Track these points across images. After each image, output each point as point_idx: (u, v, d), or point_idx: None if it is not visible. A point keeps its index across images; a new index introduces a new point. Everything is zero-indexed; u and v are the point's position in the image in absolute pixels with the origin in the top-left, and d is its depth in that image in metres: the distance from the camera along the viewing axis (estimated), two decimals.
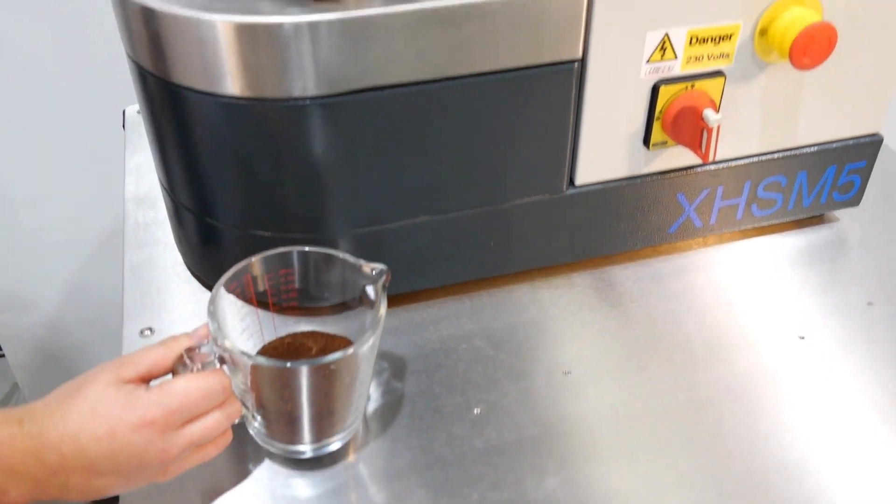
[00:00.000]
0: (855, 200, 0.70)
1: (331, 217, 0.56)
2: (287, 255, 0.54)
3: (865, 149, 0.66)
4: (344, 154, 0.53)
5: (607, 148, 0.59)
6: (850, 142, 0.65)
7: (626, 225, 0.64)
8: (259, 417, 0.52)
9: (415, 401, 0.57)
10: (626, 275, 0.67)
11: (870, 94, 0.63)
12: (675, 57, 0.56)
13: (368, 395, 0.56)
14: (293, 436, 0.52)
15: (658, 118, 0.58)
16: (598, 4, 0.52)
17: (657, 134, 0.59)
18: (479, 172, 0.57)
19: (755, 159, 0.63)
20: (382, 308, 0.50)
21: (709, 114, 0.56)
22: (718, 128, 0.55)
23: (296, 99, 0.51)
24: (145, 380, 0.47)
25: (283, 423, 0.52)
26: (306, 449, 0.53)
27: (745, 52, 0.57)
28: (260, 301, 0.54)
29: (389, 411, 0.56)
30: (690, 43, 0.56)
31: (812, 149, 0.65)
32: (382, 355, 0.60)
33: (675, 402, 0.56)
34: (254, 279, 0.53)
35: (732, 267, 0.67)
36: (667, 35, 0.55)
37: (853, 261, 0.68)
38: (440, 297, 0.64)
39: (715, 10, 0.55)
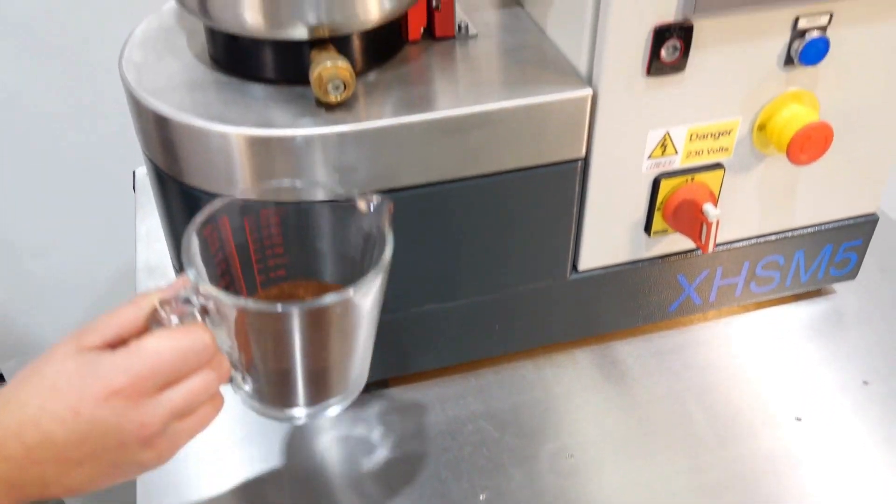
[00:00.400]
0: (852, 275, 0.71)
1: None
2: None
3: (862, 228, 0.67)
4: None
5: (610, 236, 0.61)
6: (847, 221, 0.67)
7: (628, 305, 0.65)
8: (248, 379, 0.45)
9: (422, 485, 0.58)
10: (628, 351, 0.68)
11: (866, 177, 0.65)
12: (676, 152, 0.57)
13: (370, 356, 0.50)
14: (287, 398, 0.47)
15: (659, 209, 0.60)
16: (600, 109, 0.53)
17: (658, 223, 0.60)
18: (485, 264, 0.59)
19: (753, 241, 0.65)
20: (388, 247, 0.44)
21: (708, 208, 0.57)
22: (718, 222, 0.57)
23: (308, 202, 0.52)
24: (114, 346, 0.40)
25: (276, 383, 0.46)
26: (301, 413, 0.47)
27: (743, 145, 0.59)
28: (241, 252, 0.48)
29: (396, 496, 0.57)
30: (691, 139, 0.57)
31: (809, 229, 0.66)
32: (388, 439, 0.61)
33: (677, 487, 0.58)
34: (232, 223, 0.47)
35: (731, 343, 0.69)
36: (668, 133, 0.56)
37: (849, 337, 0.69)
38: (446, 374, 0.66)
39: (715, 109, 0.56)
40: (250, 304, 0.42)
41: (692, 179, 0.59)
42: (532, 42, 0.58)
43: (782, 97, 0.57)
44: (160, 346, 0.39)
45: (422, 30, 0.58)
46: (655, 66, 0.52)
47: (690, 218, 0.59)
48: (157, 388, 0.39)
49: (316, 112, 0.51)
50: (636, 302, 0.65)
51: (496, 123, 0.52)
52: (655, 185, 0.59)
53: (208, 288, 0.41)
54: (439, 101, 0.52)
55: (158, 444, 0.39)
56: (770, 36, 0.54)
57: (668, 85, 0.54)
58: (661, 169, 0.58)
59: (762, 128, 0.58)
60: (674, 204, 0.59)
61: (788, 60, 0.55)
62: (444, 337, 0.62)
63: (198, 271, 0.42)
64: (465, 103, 0.51)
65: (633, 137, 0.56)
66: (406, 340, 0.61)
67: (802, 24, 0.54)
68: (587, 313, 0.65)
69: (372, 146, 0.50)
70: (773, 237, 0.65)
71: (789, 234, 0.66)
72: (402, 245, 0.55)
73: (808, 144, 0.56)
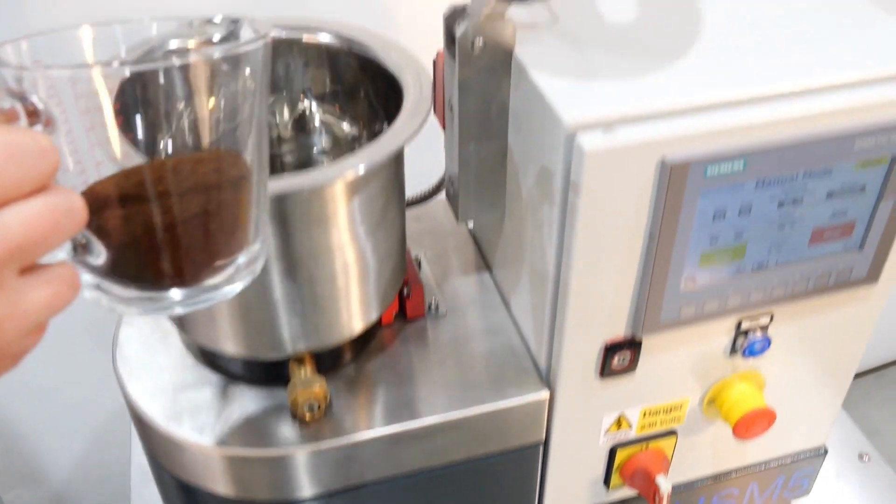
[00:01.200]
0: (805, 492, 0.75)
1: None
2: None
3: (812, 460, 0.72)
4: None
5: (571, 491, 0.65)
6: (798, 456, 0.71)
7: None
8: (100, 244, 0.32)
9: None
10: None
11: (813, 418, 0.69)
12: (630, 427, 0.62)
13: (265, 222, 0.37)
14: (154, 266, 0.33)
15: (616, 470, 0.64)
16: (558, 403, 0.58)
17: (616, 480, 0.65)
18: None
19: (708, 481, 0.69)
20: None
21: (661, 481, 0.61)
22: (669, 494, 0.61)
23: (286, 500, 0.56)
24: None
25: (137, 241, 0.33)
26: (178, 296, 0.34)
27: (695, 414, 0.63)
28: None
29: None
30: (644, 416, 0.61)
31: (761, 466, 0.70)
32: None
33: None
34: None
35: None
36: (622, 414, 0.61)
37: None
38: None
39: (665, 392, 0.61)
40: (103, 70, 0.30)
41: (647, 447, 0.63)
42: (497, 324, 0.62)
43: (729, 379, 0.61)
44: None
45: (394, 314, 0.62)
46: (608, 371, 0.56)
47: (645, 483, 0.63)
48: None
49: (294, 422, 0.55)
50: None
51: (462, 427, 0.56)
52: (612, 452, 0.63)
53: (35, 70, 0.29)
54: (412, 408, 0.56)
55: None
56: (715, 337, 0.58)
57: (621, 381, 0.58)
58: (617, 440, 0.62)
59: (711, 402, 0.62)
60: (630, 469, 0.63)
61: (734, 351, 0.60)
62: None
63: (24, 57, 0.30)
64: (437, 411, 0.56)
65: (589, 421, 0.60)
66: None
67: (745, 325, 0.58)
68: None
69: (348, 456, 0.55)
70: (727, 475, 0.70)
71: (742, 471, 0.70)
72: None
73: (753, 426, 0.60)
